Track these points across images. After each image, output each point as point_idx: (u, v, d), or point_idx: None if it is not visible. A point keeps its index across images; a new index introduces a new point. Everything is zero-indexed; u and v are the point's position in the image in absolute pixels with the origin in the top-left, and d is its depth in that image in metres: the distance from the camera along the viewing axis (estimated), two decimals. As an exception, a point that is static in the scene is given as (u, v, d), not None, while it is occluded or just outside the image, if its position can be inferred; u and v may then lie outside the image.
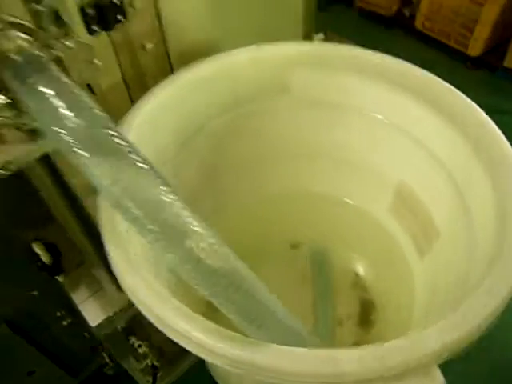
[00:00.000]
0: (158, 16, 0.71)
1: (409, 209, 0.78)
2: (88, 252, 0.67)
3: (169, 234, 0.39)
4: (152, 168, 0.40)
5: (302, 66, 0.75)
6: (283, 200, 0.88)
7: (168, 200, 0.39)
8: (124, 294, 0.74)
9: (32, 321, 0.89)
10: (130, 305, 0.76)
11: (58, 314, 0.88)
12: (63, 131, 0.36)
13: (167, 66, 0.76)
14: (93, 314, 0.73)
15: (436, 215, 0.71)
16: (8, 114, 0.45)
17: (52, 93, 0.36)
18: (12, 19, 0.38)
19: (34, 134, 0.47)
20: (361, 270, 0.96)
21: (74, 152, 0.37)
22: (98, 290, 0.75)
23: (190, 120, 0.71)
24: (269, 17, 0.89)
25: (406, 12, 2.09)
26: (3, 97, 0.44)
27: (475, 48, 1.88)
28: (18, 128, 0.46)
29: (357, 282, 0.97)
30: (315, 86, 0.76)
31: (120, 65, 0.69)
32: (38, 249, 0.67)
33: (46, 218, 0.70)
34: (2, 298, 0.84)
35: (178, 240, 0.39)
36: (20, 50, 0.36)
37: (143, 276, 0.49)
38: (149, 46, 0.70)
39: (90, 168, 0.37)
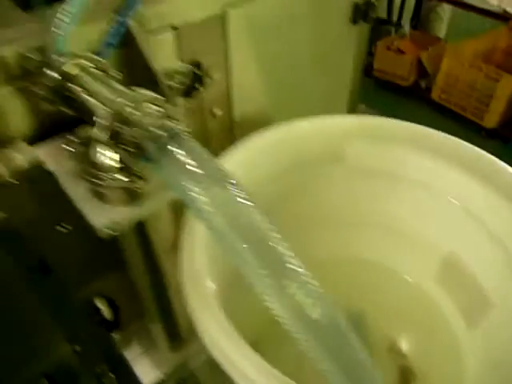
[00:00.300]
0: (228, 87, 0.76)
1: (457, 280, 0.80)
2: (151, 308, 0.68)
3: (274, 274, 0.39)
4: (264, 213, 0.42)
5: (356, 137, 0.80)
6: (329, 265, 0.89)
7: (277, 241, 0.40)
8: (176, 353, 0.75)
9: (70, 377, 0.88)
10: (181, 365, 0.76)
11: (99, 370, 0.87)
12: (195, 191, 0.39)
13: (231, 132, 0.80)
14: (145, 372, 0.73)
15: (488, 288, 0.73)
16: (119, 176, 0.48)
17: (184, 153, 0.39)
18: (150, 94, 0.42)
19: (136, 196, 0.50)
20: (400, 336, 0.95)
21: (196, 202, 0.39)
22: (150, 347, 0.75)
23: (253, 185, 0.74)
24: (319, 92, 0.96)
25: (423, 84, 2.20)
26: (117, 159, 0.47)
27: (490, 121, 1.97)
28: (123, 189, 0.49)
29: (395, 348, 0.96)
30: (369, 157, 0.80)
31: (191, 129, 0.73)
32: (100, 304, 0.68)
33: (108, 273, 0.72)
34: (46, 351, 0.84)
35: (280, 281, 0.39)
36: (158, 123, 0.40)
37: (229, 332, 0.50)
38: (218, 113, 0.75)
39: (208, 214, 0.40)
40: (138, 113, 0.40)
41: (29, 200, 0.54)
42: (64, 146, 0.53)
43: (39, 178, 0.53)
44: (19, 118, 0.56)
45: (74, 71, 0.47)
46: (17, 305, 0.74)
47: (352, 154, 0.80)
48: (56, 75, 0.48)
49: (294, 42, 0.83)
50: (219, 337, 0.50)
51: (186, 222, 0.61)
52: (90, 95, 0.45)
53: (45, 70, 0.49)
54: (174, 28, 0.64)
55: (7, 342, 0.81)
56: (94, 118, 0.42)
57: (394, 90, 2.26)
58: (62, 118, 0.55)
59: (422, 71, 2.20)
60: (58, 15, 0.51)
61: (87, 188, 0.50)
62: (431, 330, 0.88)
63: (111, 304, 0.71)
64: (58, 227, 0.58)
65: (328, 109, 0.97)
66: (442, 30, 2.48)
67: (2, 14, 0.59)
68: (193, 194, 0.39)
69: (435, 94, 2.13)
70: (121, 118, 0.40)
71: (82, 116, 0.48)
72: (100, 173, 0.48)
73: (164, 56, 0.64)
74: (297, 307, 0.39)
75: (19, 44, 0.54)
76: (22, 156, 0.53)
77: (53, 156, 0.54)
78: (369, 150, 0.80)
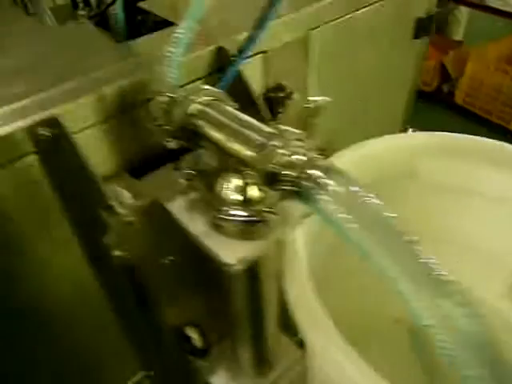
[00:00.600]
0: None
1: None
2: (243, 334, 0.67)
3: (426, 286, 0.38)
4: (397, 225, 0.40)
5: (428, 153, 0.80)
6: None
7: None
8: (262, 379, 0.74)
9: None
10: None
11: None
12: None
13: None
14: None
15: None
16: (246, 211, 0.47)
17: (340, 188, 0.38)
18: (293, 131, 0.42)
19: (261, 230, 0.49)
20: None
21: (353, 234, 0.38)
22: (235, 372, 0.74)
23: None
24: (379, 112, 0.96)
25: (445, 88, 2.20)
26: (244, 192, 0.46)
27: (518, 124, 1.97)
28: (250, 222, 0.48)
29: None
30: (442, 173, 0.80)
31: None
32: (191, 332, 0.67)
33: (200, 299, 0.71)
34: (123, 379, 0.83)
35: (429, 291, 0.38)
36: (311, 164, 0.39)
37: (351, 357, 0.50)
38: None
39: (348, 231, 0.38)
40: (290, 155, 0.39)
41: (141, 235, 0.53)
42: (176, 178, 0.53)
43: (151, 213, 0.53)
44: (122, 152, 0.56)
45: (198, 108, 0.47)
46: (102, 333, 0.73)
47: (425, 171, 0.80)
48: (178, 112, 0.47)
49: (363, 62, 0.83)
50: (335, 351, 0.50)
51: (288, 249, 0.61)
52: (221, 132, 0.45)
53: (165, 106, 0.48)
54: (263, 52, 0.64)
55: (83, 370, 0.80)
56: (240, 165, 0.42)
57: (417, 95, 2.25)
58: (162, 148, 0.55)
59: (444, 76, 2.20)
60: (167, 46, 0.51)
61: (206, 221, 0.50)
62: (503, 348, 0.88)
63: (202, 332, 0.70)
64: (163, 260, 0.58)
65: (384, 129, 0.97)
66: (459, 32, 2.49)
67: (96, 49, 0.59)
68: (348, 223, 0.38)
69: (459, 98, 2.13)
70: (271, 160, 0.40)
71: (204, 150, 0.48)
72: (225, 207, 0.47)
73: (253, 80, 0.64)
74: (446, 315, 0.38)
75: (120, 80, 0.54)
76: (132, 192, 0.53)
77: (163, 188, 0.53)
78: (441, 165, 0.80)
